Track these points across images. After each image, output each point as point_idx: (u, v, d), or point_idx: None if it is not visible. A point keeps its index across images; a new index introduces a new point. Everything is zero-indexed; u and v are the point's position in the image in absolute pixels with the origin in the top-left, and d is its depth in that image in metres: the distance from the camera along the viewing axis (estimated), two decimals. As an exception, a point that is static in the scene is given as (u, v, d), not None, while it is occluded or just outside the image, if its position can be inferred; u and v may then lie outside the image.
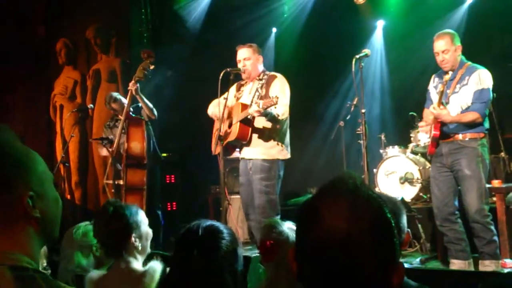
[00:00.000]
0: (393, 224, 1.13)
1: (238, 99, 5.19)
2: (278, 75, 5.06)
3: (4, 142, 1.31)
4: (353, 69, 4.84)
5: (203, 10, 8.23)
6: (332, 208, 1.10)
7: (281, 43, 8.55)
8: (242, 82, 5.27)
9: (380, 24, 8.42)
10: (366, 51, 4.96)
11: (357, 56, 4.87)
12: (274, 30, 8.77)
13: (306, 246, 1.13)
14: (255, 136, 4.95)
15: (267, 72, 5.14)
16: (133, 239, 2.65)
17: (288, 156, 5.07)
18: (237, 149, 5.29)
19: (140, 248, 2.67)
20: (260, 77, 5.09)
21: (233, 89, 5.31)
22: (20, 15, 8.56)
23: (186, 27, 8.21)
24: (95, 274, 2.70)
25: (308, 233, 1.12)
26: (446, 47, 4.64)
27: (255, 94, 5.00)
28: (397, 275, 1.11)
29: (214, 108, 5.27)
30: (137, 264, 2.66)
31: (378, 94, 8.34)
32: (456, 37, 4.69)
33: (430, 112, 4.64)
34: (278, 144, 4.97)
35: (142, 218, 2.75)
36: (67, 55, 8.57)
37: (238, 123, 4.90)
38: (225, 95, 5.11)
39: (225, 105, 5.00)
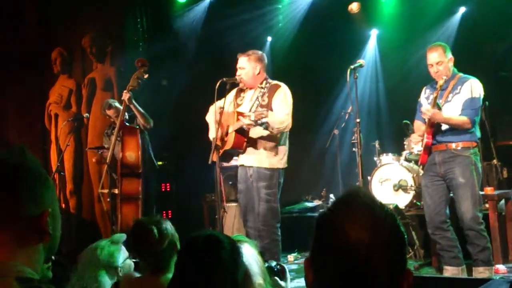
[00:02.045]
0: (405, 236, 1.21)
1: (239, 105, 5.16)
2: (282, 84, 5.04)
3: (32, 161, 1.36)
4: (348, 79, 4.88)
5: (198, 19, 8.27)
6: (354, 220, 1.16)
7: (276, 52, 8.60)
8: (243, 88, 5.21)
9: (374, 33, 8.50)
10: (360, 61, 4.98)
11: (352, 67, 4.88)
12: (269, 39, 8.83)
13: (327, 257, 1.18)
14: (253, 143, 4.95)
15: (270, 80, 5.09)
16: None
17: (286, 165, 5.08)
18: (235, 157, 5.30)
19: None
20: (262, 85, 5.06)
21: (232, 94, 5.26)
22: (13, 22, 8.56)
23: (181, 36, 8.25)
24: (134, 274, 2.75)
25: (331, 245, 1.18)
26: (440, 58, 4.69)
27: (255, 102, 4.99)
28: (407, 281, 1.19)
29: (212, 115, 5.24)
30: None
31: (372, 102, 8.40)
32: (448, 49, 4.76)
33: (425, 111, 4.63)
34: (277, 153, 4.98)
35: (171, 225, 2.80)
36: (62, 64, 8.55)
37: (234, 133, 4.89)
38: (221, 103, 5.10)
39: (221, 113, 5.00)
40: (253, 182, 5.00)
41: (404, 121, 6.44)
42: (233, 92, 5.29)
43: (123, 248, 3.07)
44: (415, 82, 7.60)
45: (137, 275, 2.81)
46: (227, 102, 5.16)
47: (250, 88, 5.15)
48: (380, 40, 8.47)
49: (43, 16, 8.65)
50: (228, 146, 4.99)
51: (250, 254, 2.27)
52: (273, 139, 4.94)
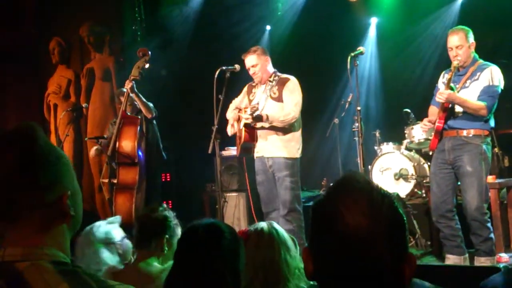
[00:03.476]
0: (404, 218, 1.17)
1: (251, 101, 5.24)
2: (291, 77, 5.14)
3: (45, 143, 1.33)
4: (348, 67, 4.85)
5: (196, 8, 8.23)
6: (351, 206, 1.13)
7: (275, 40, 8.56)
8: (253, 84, 5.32)
9: (373, 21, 8.45)
10: (361, 48, 4.96)
11: (352, 54, 4.86)
12: (268, 28, 8.79)
13: (326, 244, 1.15)
14: (265, 134, 5.08)
15: (279, 74, 5.19)
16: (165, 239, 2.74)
17: (301, 154, 5.20)
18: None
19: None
20: (271, 78, 5.15)
21: (244, 91, 5.40)
22: (11, 13, 8.51)
23: (180, 25, 8.21)
24: (115, 266, 2.78)
25: (327, 231, 1.15)
26: (460, 42, 4.57)
27: (263, 95, 5.11)
28: (409, 265, 1.15)
29: (231, 112, 5.38)
30: (156, 262, 2.72)
31: (372, 91, 8.37)
32: (470, 34, 4.63)
33: (439, 94, 4.53)
34: (293, 141, 5.10)
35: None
36: (60, 54, 8.53)
37: (243, 128, 5.07)
38: (237, 101, 5.28)
39: (220, 104, 5.05)
40: (275, 173, 5.10)
41: (405, 110, 6.41)
42: (245, 89, 5.41)
43: (120, 228, 3.13)
44: (415, 71, 7.60)
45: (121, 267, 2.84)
46: (239, 100, 5.37)
47: (262, 83, 5.21)
48: (379, 28, 8.42)
49: (41, 6, 8.60)
50: (241, 141, 5.16)
51: (283, 231, 2.46)
52: (284, 127, 5.03)
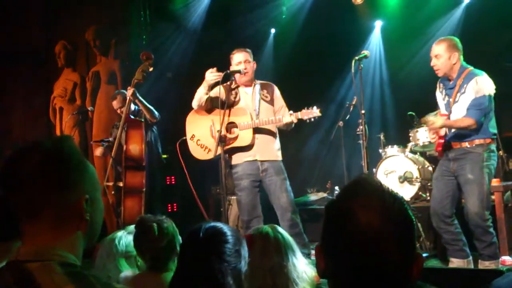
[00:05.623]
0: (413, 220, 1.22)
1: (235, 102, 5.17)
2: (272, 83, 5.31)
3: (70, 148, 1.42)
4: (352, 70, 4.86)
5: (201, 11, 8.25)
6: (364, 206, 1.18)
7: (279, 44, 8.57)
8: (233, 86, 5.23)
9: (378, 24, 8.46)
10: (365, 52, 4.95)
11: (356, 58, 4.86)
12: (272, 31, 8.81)
13: (338, 242, 1.20)
14: (265, 138, 5.10)
15: (256, 80, 5.29)
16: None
17: None
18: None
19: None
20: (256, 82, 5.26)
21: (222, 91, 5.12)
22: (17, 16, 8.57)
23: (185, 29, 8.23)
24: (130, 273, 2.78)
25: (341, 230, 1.19)
26: (438, 52, 4.55)
27: (258, 98, 5.14)
28: (417, 266, 1.20)
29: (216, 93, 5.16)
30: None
31: (376, 94, 8.37)
32: (454, 45, 4.55)
33: (430, 128, 4.68)
34: (279, 146, 5.20)
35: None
36: (66, 57, 8.59)
37: (251, 129, 5.01)
38: (220, 94, 5.07)
39: (225, 111, 5.03)
40: (268, 177, 5.05)
41: (409, 113, 6.40)
42: (217, 89, 5.15)
43: None
44: (419, 74, 7.58)
45: (132, 273, 2.83)
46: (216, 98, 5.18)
47: (246, 85, 5.21)
48: (384, 31, 8.42)
49: (47, 10, 8.65)
50: (241, 143, 5.06)
51: (287, 234, 2.52)
52: (275, 132, 5.16)
